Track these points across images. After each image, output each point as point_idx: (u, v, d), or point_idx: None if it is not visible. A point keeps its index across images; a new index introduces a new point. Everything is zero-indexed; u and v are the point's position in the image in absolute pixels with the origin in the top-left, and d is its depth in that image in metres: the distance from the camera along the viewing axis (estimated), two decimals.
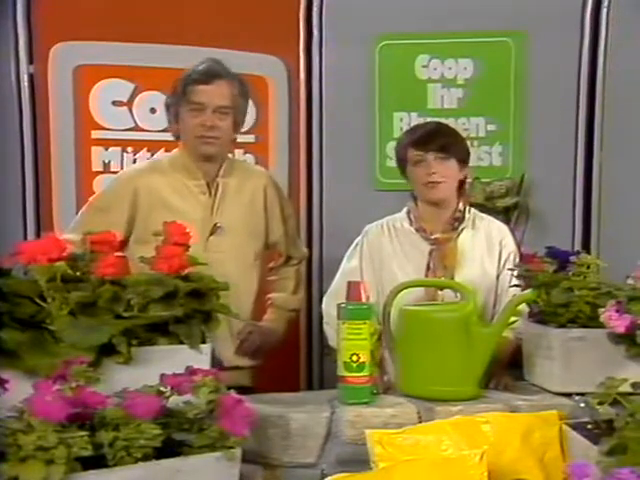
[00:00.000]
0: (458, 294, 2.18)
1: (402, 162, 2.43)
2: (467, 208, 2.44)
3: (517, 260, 2.32)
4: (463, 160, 2.39)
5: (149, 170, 2.55)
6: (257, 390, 2.20)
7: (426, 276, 2.35)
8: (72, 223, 2.52)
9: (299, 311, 2.87)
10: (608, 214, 3.17)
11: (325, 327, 2.42)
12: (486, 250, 2.39)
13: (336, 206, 3.31)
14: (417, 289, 2.24)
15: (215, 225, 2.47)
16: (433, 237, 2.38)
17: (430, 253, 2.37)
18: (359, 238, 2.46)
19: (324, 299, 2.47)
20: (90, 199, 2.68)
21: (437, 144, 2.34)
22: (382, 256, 2.41)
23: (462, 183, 2.42)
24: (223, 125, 2.46)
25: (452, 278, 2.33)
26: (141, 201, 2.45)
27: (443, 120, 2.82)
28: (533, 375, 2.10)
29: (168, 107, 2.57)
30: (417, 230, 2.41)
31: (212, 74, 2.46)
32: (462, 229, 2.40)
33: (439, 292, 2.32)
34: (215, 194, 2.50)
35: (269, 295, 2.67)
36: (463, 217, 2.41)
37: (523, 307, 2.14)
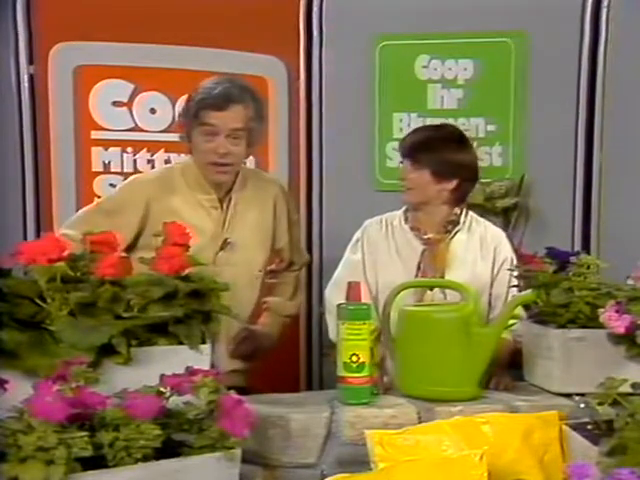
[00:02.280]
0: (448, 296, 2.23)
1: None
2: (464, 212, 2.45)
3: (513, 266, 2.33)
4: (443, 173, 2.37)
5: (161, 181, 2.48)
6: (252, 391, 2.20)
7: (416, 276, 2.37)
8: (72, 219, 2.49)
9: (295, 316, 2.86)
10: (608, 214, 3.17)
11: (327, 316, 2.43)
12: (479, 255, 2.40)
13: (336, 207, 3.31)
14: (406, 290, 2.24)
15: (225, 240, 2.46)
16: (426, 237, 2.40)
17: (422, 253, 2.39)
18: (359, 232, 2.48)
19: (326, 289, 2.48)
20: (98, 200, 2.64)
21: (411, 155, 2.41)
22: (378, 253, 2.43)
23: (455, 192, 2.42)
24: (236, 150, 2.41)
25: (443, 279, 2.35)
26: (152, 213, 2.40)
27: (443, 120, 2.84)
28: (533, 375, 2.10)
29: (179, 121, 2.54)
30: (412, 229, 2.43)
31: (227, 99, 2.38)
32: (456, 232, 2.41)
33: (428, 292, 2.33)
34: (227, 209, 2.48)
35: (265, 299, 2.66)
36: (458, 220, 2.43)
37: (521, 312, 2.15)
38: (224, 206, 2.48)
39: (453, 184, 2.40)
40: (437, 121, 2.80)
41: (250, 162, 3.20)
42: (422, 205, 2.42)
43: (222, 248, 2.45)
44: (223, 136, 2.38)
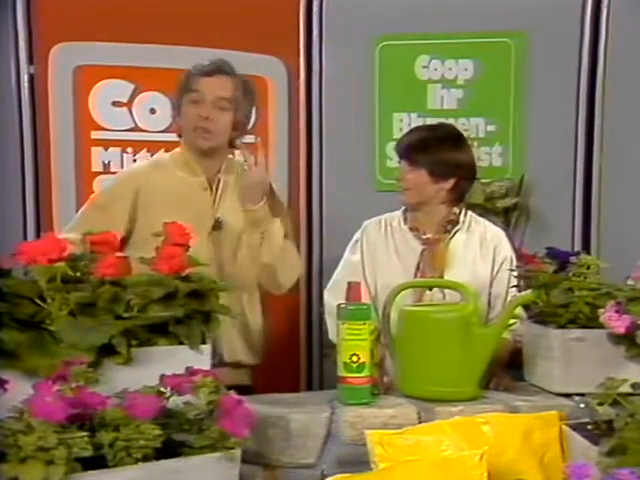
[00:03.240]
0: (447, 296, 2.25)
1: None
2: (463, 211, 2.45)
3: (513, 266, 2.33)
4: (440, 173, 2.38)
5: (150, 168, 2.55)
6: (257, 389, 2.20)
7: (415, 276, 2.38)
8: (72, 222, 2.51)
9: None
10: (608, 214, 3.17)
11: (326, 317, 2.44)
12: (479, 254, 2.41)
13: (336, 206, 3.30)
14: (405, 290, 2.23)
15: (217, 220, 2.48)
16: (425, 237, 2.40)
17: (421, 253, 2.39)
18: (358, 234, 2.49)
19: (326, 290, 2.49)
20: (90, 197, 2.68)
21: (408, 156, 2.42)
22: (377, 253, 2.43)
23: (452, 192, 2.42)
24: (221, 119, 2.45)
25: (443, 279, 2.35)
26: (142, 198, 2.44)
27: (443, 120, 2.84)
28: (533, 376, 2.10)
29: (172, 105, 2.58)
30: (411, 229, 2.44)
31: (216, 68, 2.47)
32: (455, 232, 2.42)
33: (427, 292, 2.33)
34: (216, 190, 2.51)
35: None
36: (457, 220, 2.43)
37: (521, 312, 2.15)
38: (213, 187, 2.51)
39: (451, 183, 2.40)
40: (437, 121, 2.80)
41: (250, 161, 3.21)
42: (420, 205, 2.42)
43: (214, 228, 2.47)
44: (209, 102, 2.44)
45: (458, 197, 2.45)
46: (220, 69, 2.48)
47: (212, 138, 2.47)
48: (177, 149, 2.58)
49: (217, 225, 2.48)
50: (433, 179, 2.38)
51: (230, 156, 2.61)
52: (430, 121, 3.06)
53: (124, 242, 2.35)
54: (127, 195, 2.45)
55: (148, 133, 3.18)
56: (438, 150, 2.39)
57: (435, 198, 2.40)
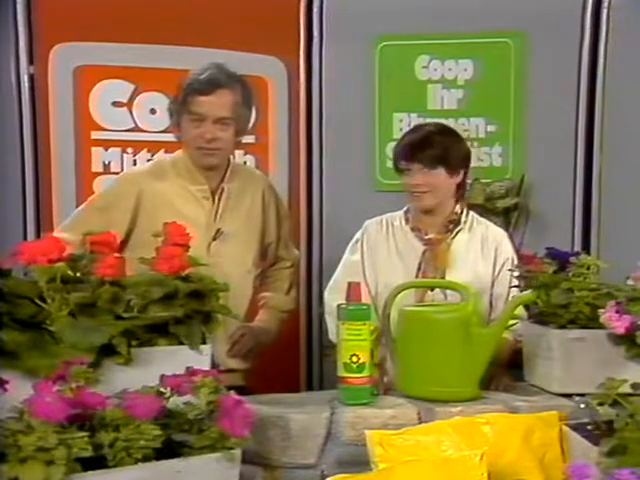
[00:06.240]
0: (449, 296, 2.24)
1: (396, 169, 2.44)
2: (465, 211, 2.45)
3: (514, 267, 2.33)
4: (455, 167, 2.37)
5: (152, 173, 2.52)
6: (252, 390, 2.19)
7: (416, 276, 2.37)
8: (67, 221, 2.50)
9: (292, 312, 2.85)
10: (608, 215, 3.17)
11: (327, 317, 2.43)
12: (480, 255, 2.40)
13: (336, 207, 3.31)
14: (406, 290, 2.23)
15: (218, 230, 2.47)
16: (427, 237, 2.40)
17: (423, 253, 2.39)
18: (359, 233, 2.48)
19: (326, 290, 2.49)
20: (90, 198, 2.66)
21: (422, 156, 2.34)
22: (378, 253, 2.43)
23: (460, 186, 2.42)
24: (224, 136, 2.43)
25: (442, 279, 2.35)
26: (145, 204, 2.43)
27: (443, 121, 2.84)
28: (533, 376, 2.10)
29: (171, 113, 2.56)
30: (412, 229, 2.43)
31: (214, 84, 2.42)
32: (458, 232, 2.41)
33: (429, 292, 2.33)
34: (219, 200, 2.50)
35: (262, 294, 2.66)
36: (459, 220, 2.42)
37: (522, 312, 2.15)
38: (216, 197, 2.50)
39: (461, 177, 2.40)
40: (438, 122, 2.78)
41: (250, 162, 3.21)
42: (436, 206, 2.40)
43: (215, 238, 2.47)
44: (210, 122, 2.41)
45: (463, 193, 2.45)
46: (217, 83, 2.42)
47: (216, 155, 2.45)
48: (178, 152, 2.56)
49: (218, 236, 2.47)
50: (449, 174, 2.36)
51: (234, 159, 2.59)
52: (430, 121, 3.05)
53: (121, 246, 2.33)
54: (128, 200, 2.43)
55: (148, 133, 3.18)
56: (449, 144, 2.37)
57: (449, 195, 2.40)
